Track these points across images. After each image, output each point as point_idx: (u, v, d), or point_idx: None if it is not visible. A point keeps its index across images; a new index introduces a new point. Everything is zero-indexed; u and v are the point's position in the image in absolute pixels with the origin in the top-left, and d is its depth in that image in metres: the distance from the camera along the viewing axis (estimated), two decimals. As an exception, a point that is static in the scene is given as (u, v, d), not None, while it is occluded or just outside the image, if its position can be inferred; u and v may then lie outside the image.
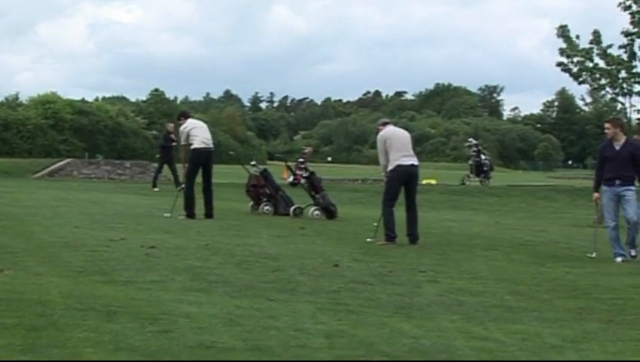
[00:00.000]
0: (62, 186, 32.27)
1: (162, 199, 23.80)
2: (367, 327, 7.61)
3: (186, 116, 19.89)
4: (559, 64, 27.33)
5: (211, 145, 19.17)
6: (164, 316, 7.48)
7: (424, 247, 14.90)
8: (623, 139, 14.56)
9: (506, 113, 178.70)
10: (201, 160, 18.95)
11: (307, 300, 8.96)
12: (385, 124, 16.32)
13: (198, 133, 19.01)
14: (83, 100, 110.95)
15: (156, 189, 30.75)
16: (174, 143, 29.72)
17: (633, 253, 14.42)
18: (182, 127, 19.18)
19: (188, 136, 18.94)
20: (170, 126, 32.14)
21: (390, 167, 15.58)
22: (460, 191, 35.61)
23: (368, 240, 15.33)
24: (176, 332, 6.85)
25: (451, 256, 13.85)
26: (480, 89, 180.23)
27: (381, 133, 15.93)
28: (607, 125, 14.77)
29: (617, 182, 14.46)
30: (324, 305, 8.72)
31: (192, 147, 18.92)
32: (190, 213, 18.53)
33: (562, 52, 27.25)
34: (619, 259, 14.16)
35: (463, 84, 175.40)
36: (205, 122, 20.48)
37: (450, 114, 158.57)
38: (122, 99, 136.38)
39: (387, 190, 15.85)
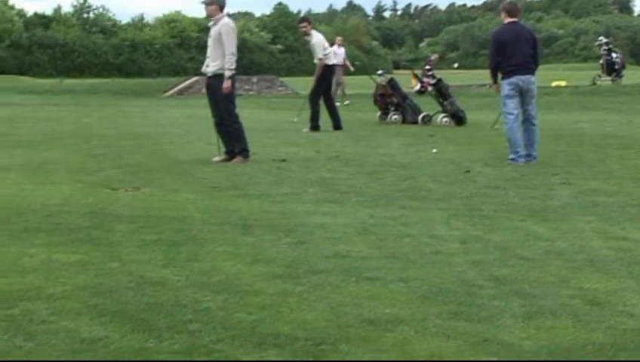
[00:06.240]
0: (191, 104, 32.74)
1: (289, 112, 23.90)
2: (501, 231, 7.57)
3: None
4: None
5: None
6: (299, 227, 7.59)
7: (556, 150, 14.61)
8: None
9: (638, 9, 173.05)
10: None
11: (440, 207, 8.95)
12: None
13: (330, 48, 19.12)
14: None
15: None
16: None
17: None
18: (314, 40, 18.83)
19: (324, 49, 18.83)
20: None
21: None
22: (591, 91, 34.69)
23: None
24: (311, 243, 6.95)
25: (584, 157, 13.58)
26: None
27: None
28: None
29: None
30: (457, 211, 8.70)
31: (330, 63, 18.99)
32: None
33: None
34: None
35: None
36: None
37: (579, 13, 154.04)
38: (247, 15, 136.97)
39: None
